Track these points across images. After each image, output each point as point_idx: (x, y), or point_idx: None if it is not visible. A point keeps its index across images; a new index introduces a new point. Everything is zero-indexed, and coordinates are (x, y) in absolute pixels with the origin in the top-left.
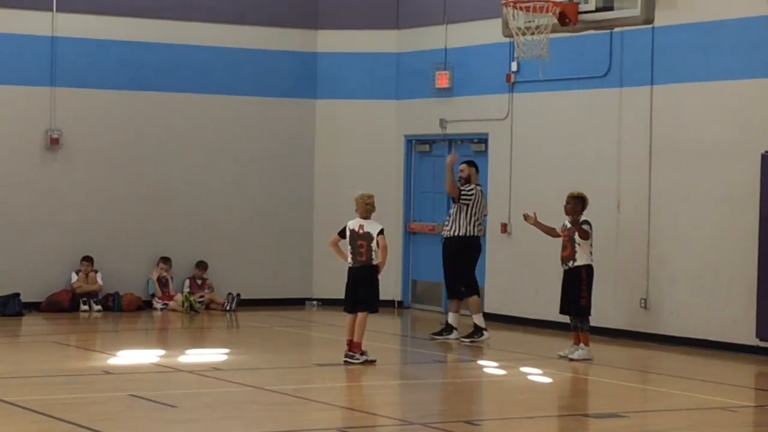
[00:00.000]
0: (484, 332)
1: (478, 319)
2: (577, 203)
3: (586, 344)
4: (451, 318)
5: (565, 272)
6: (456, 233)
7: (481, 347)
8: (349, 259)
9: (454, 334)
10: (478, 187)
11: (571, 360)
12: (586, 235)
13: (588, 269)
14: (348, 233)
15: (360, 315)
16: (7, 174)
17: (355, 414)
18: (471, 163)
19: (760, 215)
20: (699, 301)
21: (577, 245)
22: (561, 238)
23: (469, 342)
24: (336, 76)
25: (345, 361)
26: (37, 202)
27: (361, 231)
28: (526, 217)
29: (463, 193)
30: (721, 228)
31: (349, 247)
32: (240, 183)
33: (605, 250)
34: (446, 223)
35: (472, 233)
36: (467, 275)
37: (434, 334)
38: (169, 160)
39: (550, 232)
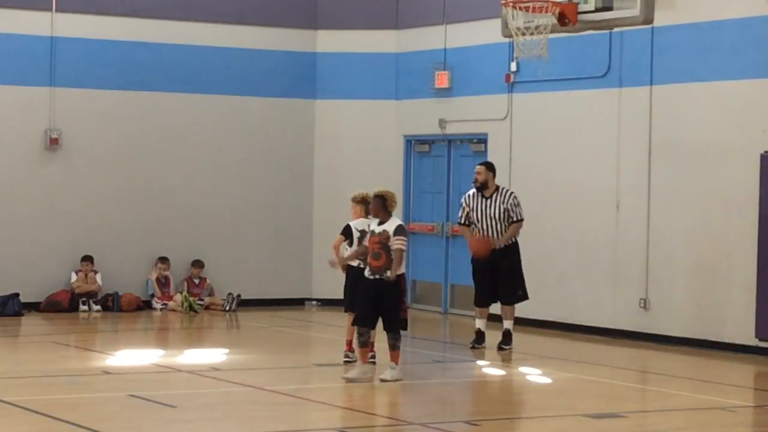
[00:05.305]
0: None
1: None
2: (378, 202)
3: (396, 363)
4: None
5: (377, 281)
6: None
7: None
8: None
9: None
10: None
11: (384, 381)
12: (402, 253)
13: (403, 277)
14: (357, 235)
15: None
16: (7, 174)
17: (355, 414)
18: (489, 166)
19: (760, 215)
20: (699, 301)
21: (391, 251)
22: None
23: (509, 349)
24: (336, 76)
25: (345, 362)
26: (37, 202)
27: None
28: (332, 264)
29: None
30: (721, 228)
31: (359, 248)
32: (240, 183)
33: (605, 251)
34: None
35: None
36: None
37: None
38: (169, 160)
39: (362, 253)
